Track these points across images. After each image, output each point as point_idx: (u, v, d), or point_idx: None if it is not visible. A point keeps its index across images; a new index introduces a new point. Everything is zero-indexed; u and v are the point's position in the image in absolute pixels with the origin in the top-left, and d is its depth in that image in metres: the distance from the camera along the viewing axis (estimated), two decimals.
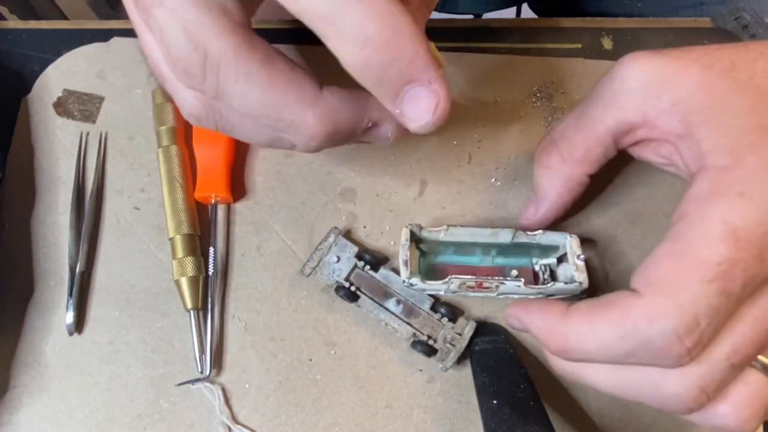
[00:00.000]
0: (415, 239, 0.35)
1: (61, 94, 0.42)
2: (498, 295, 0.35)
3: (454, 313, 0.36)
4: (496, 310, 0.37)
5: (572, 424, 0.35)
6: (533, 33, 0.42)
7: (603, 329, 0.25)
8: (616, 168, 0.38)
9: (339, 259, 0.36)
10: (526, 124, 0.40)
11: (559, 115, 0.40)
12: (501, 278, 0.33)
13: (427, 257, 0.36)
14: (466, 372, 0.36)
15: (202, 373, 0.36)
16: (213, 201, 0.38)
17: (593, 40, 0.42)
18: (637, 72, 0.28)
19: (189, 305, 0.36)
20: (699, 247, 0.23)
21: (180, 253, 0.37)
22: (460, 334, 0.35)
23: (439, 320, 0.36)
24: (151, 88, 0.41)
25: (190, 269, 0.36)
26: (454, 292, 0.34)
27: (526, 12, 0.73)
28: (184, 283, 0.36)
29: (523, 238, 0.34)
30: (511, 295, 0.35)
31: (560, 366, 0.29)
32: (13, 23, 0.44)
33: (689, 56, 0.27)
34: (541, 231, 0.34)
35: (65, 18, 0.90)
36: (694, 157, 0.26)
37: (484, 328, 0.36)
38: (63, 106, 0.42)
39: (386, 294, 0.36)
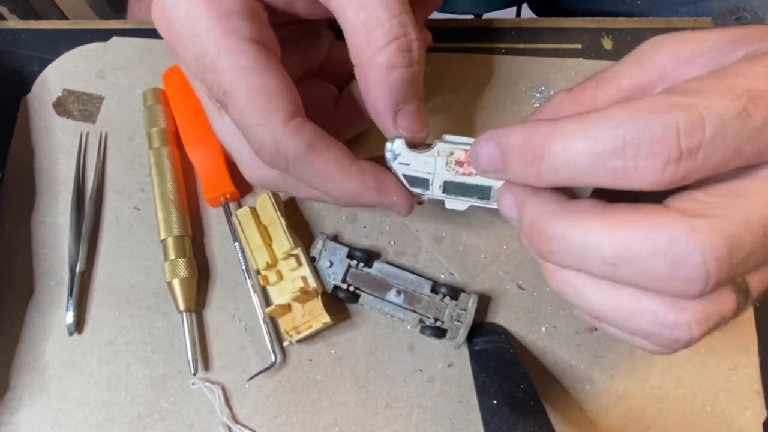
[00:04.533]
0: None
1: (60, 94, 0.42)
2: (492, 198, 0.29)
3: (455, 290, 0.36)
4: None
5: (572, 424, 0.35)
6: (533, 33, 0.42)
7: (627, 232, 0.20)
8: None
9: (332, 263, 0.36)
10: None
11: None
12: None
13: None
14: (466, 372, 0.36)
15: (194, 374, 0.36)
16: (223, 201, 0.38)
17: (593, 40, 0.42)
18: (656, 39, 0.26)
19: (182, 307, 0.36)
20: None
21: (172, 255, 0.37)
22: (464, 310, 0.35)
23: (442, 300, 0.36)
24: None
25: (182, 271, 0.36)
26: (443, 187, 0.29)
27: (526, 12, 0.73)
28: (176, 284, 0.36)
29: None
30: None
31: (554, 276, 0.24)
32: (13, 23, 0.44)
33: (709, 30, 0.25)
34: None
35: (65, 18, 0.90)
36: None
37: (484, 328, 0.36)
38: (63, 106, 0.42)
39: (385, 287, 0.36)
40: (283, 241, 0.35)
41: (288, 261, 0.35)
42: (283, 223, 0.36)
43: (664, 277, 0.20)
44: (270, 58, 0.26)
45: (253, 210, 0.36)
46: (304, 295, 0.35)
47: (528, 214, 0.23)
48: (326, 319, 0.35)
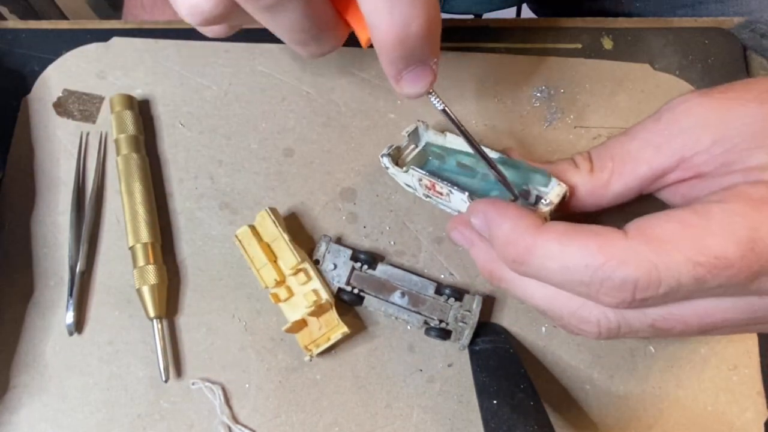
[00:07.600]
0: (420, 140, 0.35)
1: (61, 94, 0.42)
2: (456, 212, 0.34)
3: (459, 291, 0.36)
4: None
5: (572, 424, 0.35)
6: (533, 33, 0.42)
7: (573, 254, 0.24)
8: None
9: (336, 266, 0.36)
10: (526, 124, 0.40)
11: (560, 115, 0.40)
12: (452, 187, 0.32)
13: (431, 163, 0.35)
14: (466, 372, 0.36)
15: (166, 381, 0.35)
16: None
17: (593, 40, 0.42)
18: (682, 116, 0.28)
19: (152, 314, 0.36)
20: (714, 233, 0.23)
21: (141, 262, 0.37)
22: (469, 311, 0.35)
23: (446, 301, 0.36)
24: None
25: (151, 277, 0.36)
26: (426, 195, 0.34)
27: (526, 12, 0.73)
28: (146, 291, 0.36)
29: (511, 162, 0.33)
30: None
31: (499, 274, 0.30)
32: (13, 23, 0.44)
33: (744, 96, 0.27)
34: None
35: (65, 18, 0.90)
36: (736, 181, 0.26)
37: (484, 328, 0.36)
38: (63, 106, 0.42)
39: (389, 289, 0.36)
40: (288, 257, 0.35)
41: (297, 276, 0.35)
42: (286, 238, 0.35)
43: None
44: None
45: (253, 228, 0.36)
46: (319, 308, 0.34)
47: (504, 232, 0.27)
48: (344, 329, 0.35)
